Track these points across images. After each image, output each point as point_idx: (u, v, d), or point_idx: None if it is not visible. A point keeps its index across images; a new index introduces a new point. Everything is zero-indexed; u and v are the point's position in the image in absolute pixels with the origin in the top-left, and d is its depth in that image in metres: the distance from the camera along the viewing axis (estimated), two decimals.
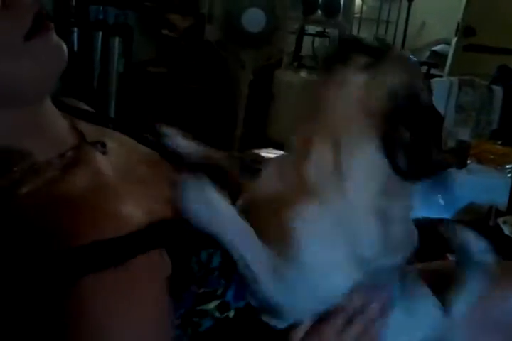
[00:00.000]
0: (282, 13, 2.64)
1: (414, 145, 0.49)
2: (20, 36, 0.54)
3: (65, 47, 0.58)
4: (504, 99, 1.74)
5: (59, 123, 0.63)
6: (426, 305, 0.62)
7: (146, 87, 2.93)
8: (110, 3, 2.84)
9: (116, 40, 2.50)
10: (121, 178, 0.58)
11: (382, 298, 0.57)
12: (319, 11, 3.02)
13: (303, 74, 3.10)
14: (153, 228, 0.51)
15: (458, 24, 3.54)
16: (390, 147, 0.49)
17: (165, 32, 3.18)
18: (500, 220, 1.26)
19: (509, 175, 1.43)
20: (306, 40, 3.24)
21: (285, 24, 2.68)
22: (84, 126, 0.67)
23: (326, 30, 3.21)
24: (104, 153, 0.61)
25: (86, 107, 0.76)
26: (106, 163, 0.60)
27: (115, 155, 0.63)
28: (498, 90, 1.74)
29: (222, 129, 3.00)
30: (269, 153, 2.05)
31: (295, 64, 3.17)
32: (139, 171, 0.63)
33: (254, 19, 2.54)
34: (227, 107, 3.08)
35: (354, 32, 3.27)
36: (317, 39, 3.25)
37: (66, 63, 0.58)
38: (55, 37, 0.57)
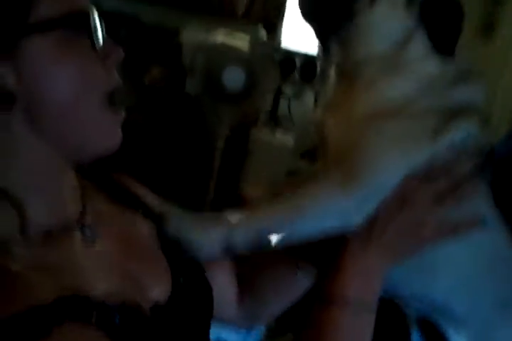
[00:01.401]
0: (261, 74, 2.74)
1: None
2: (102, 92, 0.56)
3: (120, 139, 0.60)
4: None
5: (70, 194, 0.62)
6: None
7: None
8: None
9: None
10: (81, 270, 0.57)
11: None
12: (296, 74, 3.14)
13: (279, 134, 3.17)
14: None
15: None
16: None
17: (146, 81, 3.25)
18: None
19: None
20: (283, 101, 3.33)
21: (264, 85, 2.77)
22: (102, 206, 0.67)
23: (303, 93, 3.32)
24: (91, 240, 0.61)
25: (135, 188, 0.77)
26: (81, 251, 0.59)
27: (104, 247, 0.62)
28: None
29: (196, 182, 3.00)
30: None
31: (272, 123, 3.24)
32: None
33: (233, 77, 2.63)
34: (202, 160, 3.10)
35: None
36: (293, 101, 3.36)
37: (112, 152, 0.60)
38: (119, 127, 0.60)
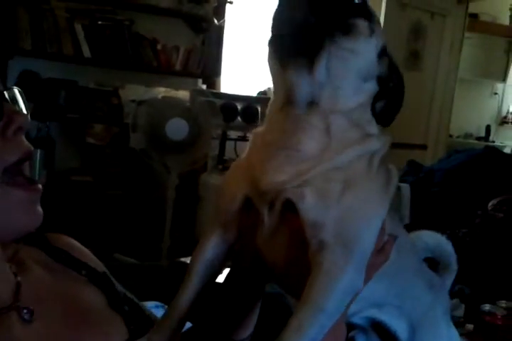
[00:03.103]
0: (204, 121, 2.79)
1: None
2: (3, 166, 0.51)
3: (41, 217, 0.55)
4: (412, 195, 1.89)
5: (0, 280, 0.59)
6: None
7: (69, 197, 2.89)
8: (31, 117, 2.87)
9: (38, 152, 2.49)
10: None
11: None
12: (239, 118, 3.22)
13: None
14: None
15: None
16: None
17: (89, 140, 3.22)
18: None
19: None
20: (229, 144, 3.39)
21: (207, 131, 2.82)
22: (41, 276, 0.65)
23: (247, 135, 3.40)
24: (29, 320, 0.59)
25: (77, 250, 0.73)
26: (20, 333, 0.58)
27: (44, 323, 0.60)
28: (405, 187, 1.89)
29: (151, 233, 2.96)
30: None
31: (220, 167, 3.28)
32: None
33: (177, 128, 2.66)
34: (154, 211, 3.08)
35: None
36: (239, 143, 3.42)
37: (35, 229, 0.56)
38: (39, 206, 0.55)
